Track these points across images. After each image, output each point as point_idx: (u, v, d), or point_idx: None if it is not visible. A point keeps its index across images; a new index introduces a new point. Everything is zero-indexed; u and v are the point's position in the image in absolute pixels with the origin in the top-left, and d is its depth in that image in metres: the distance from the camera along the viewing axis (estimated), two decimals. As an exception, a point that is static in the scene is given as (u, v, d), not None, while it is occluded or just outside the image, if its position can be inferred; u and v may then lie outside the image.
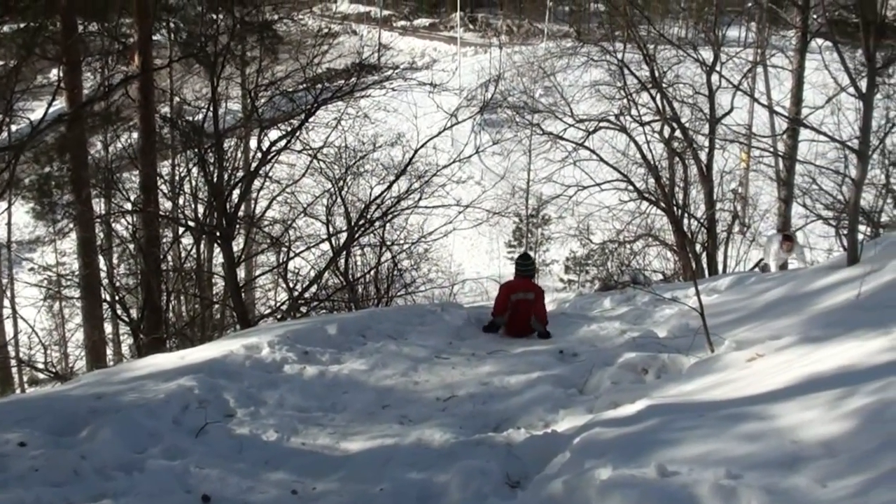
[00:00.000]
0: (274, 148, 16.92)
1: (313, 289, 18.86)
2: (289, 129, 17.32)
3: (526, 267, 13.34)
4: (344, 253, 18.62)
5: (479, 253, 43.14)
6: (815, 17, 19.69)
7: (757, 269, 20.26)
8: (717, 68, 22.36)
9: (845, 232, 15.11)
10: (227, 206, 15.89)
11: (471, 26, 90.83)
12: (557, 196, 24.58)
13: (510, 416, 7.61)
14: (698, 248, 23.24)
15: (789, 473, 4.59)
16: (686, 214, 23.54)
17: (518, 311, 12.36)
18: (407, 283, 21.05)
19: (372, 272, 20.16)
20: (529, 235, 43.36)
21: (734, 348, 8.08)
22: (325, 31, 22.74)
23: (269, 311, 20.09)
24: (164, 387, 7.54)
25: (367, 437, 7.12)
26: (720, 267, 23.23)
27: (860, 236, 18.29)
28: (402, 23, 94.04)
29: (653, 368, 8.23)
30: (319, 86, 17.86)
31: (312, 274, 19.08)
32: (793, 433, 5.11)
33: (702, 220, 23.57)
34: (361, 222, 18.40)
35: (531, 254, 17.07)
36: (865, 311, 7.97)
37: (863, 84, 11.34)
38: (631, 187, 23.86)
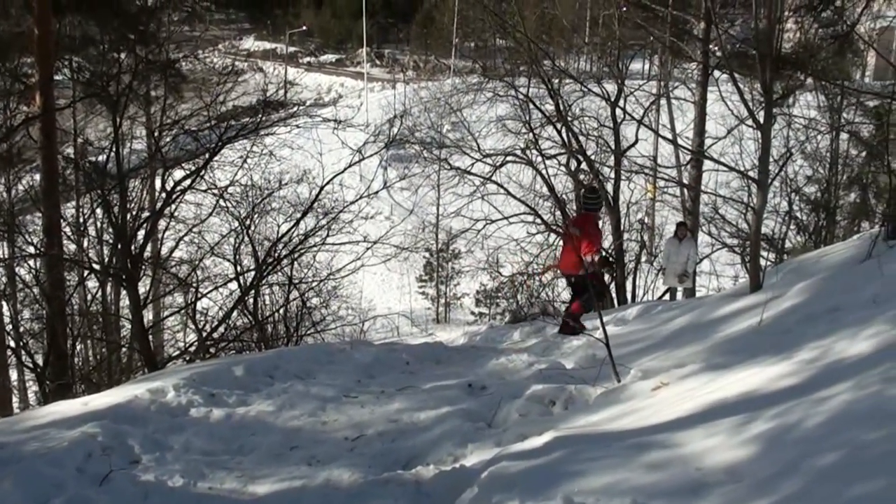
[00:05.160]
0: (179, 188, 16.72)
1: (222, 329, 18.63)
2: (194, 168, 17.14)
3: (586, 200, 13.87)
4: (252, 292, 18.42)
5: (390, 289, 43.02)
6: (714, 49, 20.05)
7: (666, 297, 20.50)
8: (621, 101, 22.66)
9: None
10: (132, 248, 15.66)
11: (378, 62, 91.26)
12: (466, 230, 24.66)
13: (419, 452, 7.55)
14: (607, 278, 23.42)
15: (694, 500, 4.63)
16: (594, 245, 23.69)
17: (566, 245, 13.27)
18: (316, 321, 20.88)
19: (281, 311, 19.98)
20: (440, 270, 43.42)
21: (640, 378, 8.13)
22: (230, 68, 22.57)
23: (177, 352, 19.79)
24: (67, 434, 7.36)
25: (275, 479, 7.01)
26: (629, 296, 23.43)
27: (765, 263, 18.69)
28: (309, 59, 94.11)
29: (560, 400, 8.24)
30: (224, 124, 17.72)
31: (221, 314, 18.85)
32: (697, 460, 5.15)
33: (609, 251, 23.78)
34: (269, 261, 18.26)
35: (596, 186, 17.25)
36: (767, 336, 8.07)
37: (761, 115, 11.55)
38: (539, 220, 24.02)
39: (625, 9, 24.11)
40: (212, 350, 18.08)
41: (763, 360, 6.91)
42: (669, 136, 25.16)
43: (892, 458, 4.30)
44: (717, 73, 19.00)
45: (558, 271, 14.22)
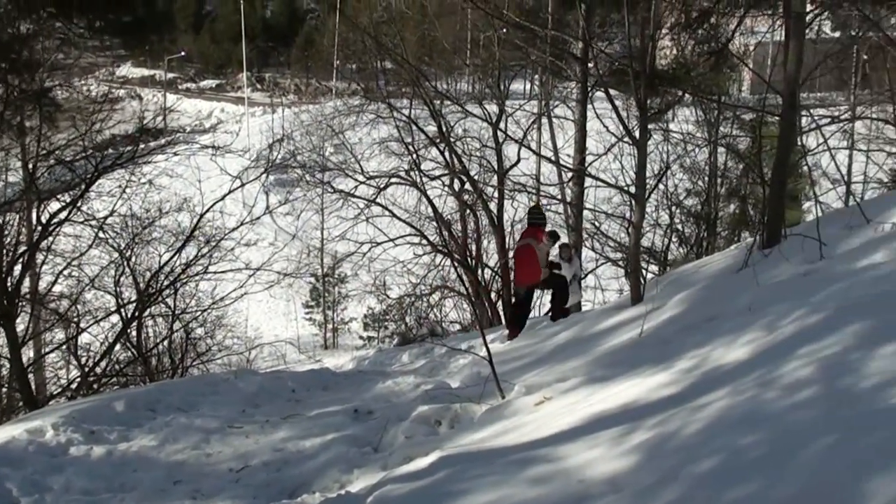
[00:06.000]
0: (55, 220, 16.36)
1: (105, 364, 18.23)
2: (70, 199, 16.78)
3: (531, 217, 15.39)
4: (135, 324, 18.11)
5: (276, 316, 42.59)
6: (592, 67, 20.30)
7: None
8: (503, 121, 22.79)
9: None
10: (9, 284, 15.25)
11: (258, 86, 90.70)
12: (352, 253, 24.51)
13: (305, 480, 7.49)
14: (493, 296, 23.53)
15: (577, 513, 4.63)
16: (480, 264, 23.82)
17: (517, 260, 14.54)
18: (202, 351, 20.61)
19: (165, 343, 19.67)
20: (326, 295, 43.17)
21: (524, 393, 8.15)
22: (107, 96, 22.15)
23: (59, 390, 19.30)
24: (-58, 480, 7.13)
25: (158, 515, 6.88)
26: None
27: (649, 275, 18.94)
28: (188, 85, 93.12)
29: (446, 419, 8.23)
30: (101, 153, 17.38)
31: (104, 348, 18.45)
32: (580, 472, 5.17)
33: (495, 269, 23.89)
34: (151, 292, 17.97)
35: (539, 204, 17.65)
36: (647, 347, 8.16)
37: (638, 131, 11.71)
38: (425, 241, 24.02)
39: (504, 30, 24.25)
40: (95, 386, 17.70)
41: (643, 370, 6.98)
42: (551, 154, 25.34)
43: (767, 461, 4.35)
44: (596, 92, 19.24)
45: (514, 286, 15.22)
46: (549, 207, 25.45)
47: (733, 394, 5.44)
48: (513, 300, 15.31)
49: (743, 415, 5.08)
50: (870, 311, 5.70)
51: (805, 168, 16.47)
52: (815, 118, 12.63)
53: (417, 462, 6.53)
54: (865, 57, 25.77)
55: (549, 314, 15.45)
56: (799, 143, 12.16)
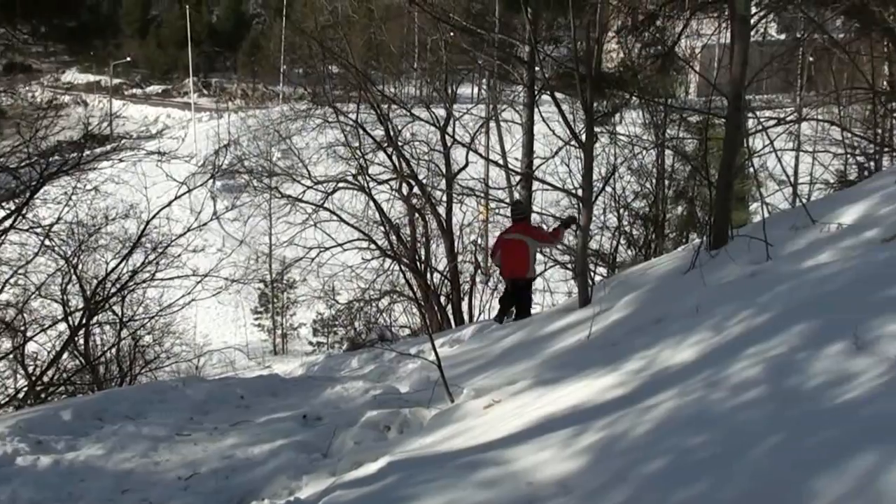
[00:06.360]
0: (0, 228, 16.18)
1: (52, 373, 18.06)
2: (15, 207, 16.60)
3: (515, 211, 15.73)
4: (82, 332, 17.94)
5: (225, 322, 42.32)
6: (538, 71, 20.35)
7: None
8: (451, 125, 22.82)
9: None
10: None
11: (205, 91, 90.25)
12: (300, 258, 24.41)
13: (254, 487, 7.41)
14: (443, 300, 23.53)
15: (525, 515, 4.63)
16: (429, 268, 23.82)
17: (506, 251, 14.75)
18: (150, 359, 20.46)
19: (113, 351, 19.50)
20: (275, 300, 43.01)
21: (473, 396, 8.14)
22: (52, 102, 21.92)
23: (5, 400, 19.08)
24: None
25: (105, 524, 6.79)
26: (466, 317, 23.56)
27: (598, 277, 19.01)
28: (135, 90, 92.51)
29: (395, 424, 8.19)
30: (46, 160, 17.20)
31: (51, 357, 18.26)
32: (528, 475, 5.17)
33: (445, 273, 23.90)
34: (98, 299, 17.81)
35: (520, 200, 17.77)
36: (596, 349, 8.18)
37: (584, 134, 11.74)
38: (373, 246, 23.98)
39: (451, 34, 24.27)
40: (42, 395, 17.51)
41: (592, 372, 6.98)
42: (499, 158, 25.42)
43: (715, 461, 4.37)
44: (543, 95, 19.28)
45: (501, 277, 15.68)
46: (497, 211, 25.52)
47: (681, 395, 5.46)
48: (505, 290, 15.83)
49: (691, 415, 5.10)
50: (815, 312, 5.74)
51: (751, 169, 16.62)
52: (762, 120, 12.78)
53: (366, 467, 6.49)
54: (811, 59, 26.00)
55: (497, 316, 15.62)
56: (745, 144, 12.26)
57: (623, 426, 5.34)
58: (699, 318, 7.02)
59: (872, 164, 16.88)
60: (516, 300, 15.48)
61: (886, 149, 16.49)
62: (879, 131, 17.45)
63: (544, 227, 18.50)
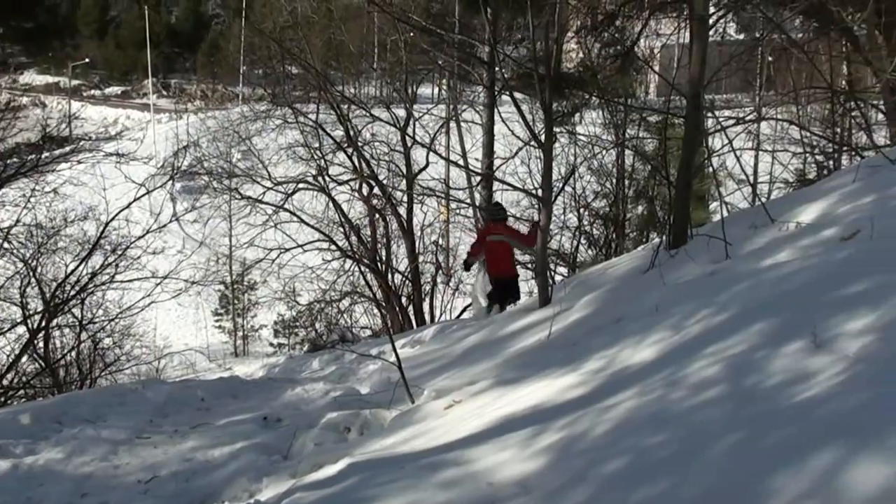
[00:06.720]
0: (-45, 232, 16.07)
1: (11, 376, 17.91)
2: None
3: (497, 213, 15.90)
4: (41, 335, 17.81)
5: (186, 324, 42.15)
6: (498, 71, 20.37)
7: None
8: (411, 125, 22.79)
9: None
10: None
11: (164, 92, 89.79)
12: (261, 260, 24.29)
13: (214, 490, 7.38)
14: (404, 300, 23.50)
15: (486, 515, 4.62)
16: (390, 269, 23.79)
17: (494, 251, 14.93)
18: (110, 362, 20.32)
19: (72, 353, 19.37)
20: (236, 302, 42.84)
21: (433, 397, 8.12)
22: (9, 104, 21.75)
23: (-36, 405, 18.93)
24: None
25: (64, 529, 6.72)
26: (427, 317, 23.54)
27: (558, 277, 19.03)
28: (94, 92, 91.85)
29: (355, 426, 8.18)
30: (3, 162, 17.09)
31: (10, 360, 18.12)
32: (489, 475, 5.16)
33: (406, 274, 23.87)
34: (57, 301, 17.68)
35: (501, 203, 17.73)
36: (556, 349, 8.18)
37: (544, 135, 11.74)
38: (334, 246, 23.91)
39: (411, 34, 24.24)
40: (1, 399, 17.37)
41: (552, 372, 6.99)
42: (459, 158, 25.41)
43: (674, 460, 4.38)
44: (503, 96, 19.29)
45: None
46: (458, 212, 25.53)
47: (641, 394, 5.47)
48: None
49: (651, 415, 5.11)
50: (774, 310, 5.76)
51: (711, 169, 16.69)
52: (721, 119, 12.80)
53: (327, 469, 6.46)
54: (770, 59, 26.19)
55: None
56: (704, 144, 12.29)
57: (583, 426, 5.35)
58: (658, 317, 7.04)
59: (831, 162, 17.02)
60: (512, 292, 15.76)
61: (845, 148, 16.61)
62: (838, 130, 17.60)
63: (522, 227, 18.60)
